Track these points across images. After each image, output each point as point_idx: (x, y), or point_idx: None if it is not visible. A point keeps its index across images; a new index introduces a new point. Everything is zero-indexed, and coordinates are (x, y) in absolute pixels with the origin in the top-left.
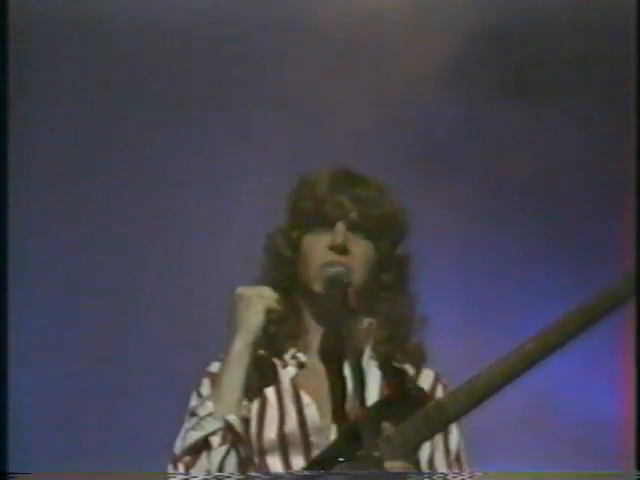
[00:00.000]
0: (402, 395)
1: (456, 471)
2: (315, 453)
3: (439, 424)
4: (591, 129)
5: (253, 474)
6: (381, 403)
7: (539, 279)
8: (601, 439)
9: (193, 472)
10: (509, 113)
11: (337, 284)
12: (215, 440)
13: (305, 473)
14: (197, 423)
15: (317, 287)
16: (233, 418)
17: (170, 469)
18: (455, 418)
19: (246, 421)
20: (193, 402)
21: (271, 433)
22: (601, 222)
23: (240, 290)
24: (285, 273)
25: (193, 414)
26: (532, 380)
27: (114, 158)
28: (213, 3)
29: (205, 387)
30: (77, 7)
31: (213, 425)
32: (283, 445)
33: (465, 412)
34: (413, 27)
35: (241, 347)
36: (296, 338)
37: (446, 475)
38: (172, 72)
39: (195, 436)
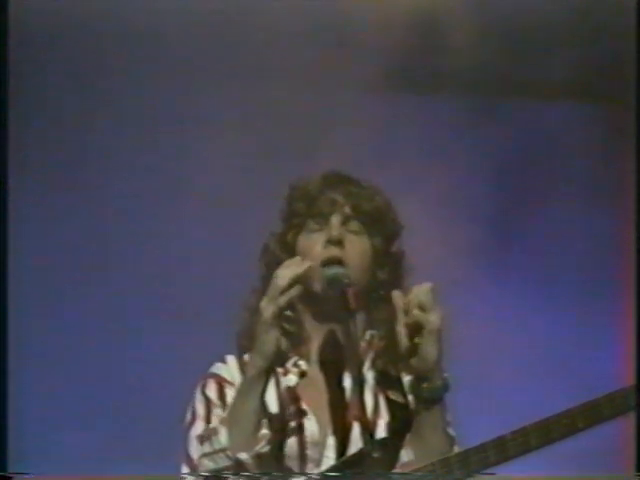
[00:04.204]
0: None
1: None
2: (310, 467)
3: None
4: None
5: (271, 473)
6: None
7: None
8: (601, 441)
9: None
10: None
11: (337, 284)
12: (229, 476)
13: (319, 476)
14: (210, 454)
15: (316, 286)
16: (245, 457)
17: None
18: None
19: (260, 458)
20: (198, 404)
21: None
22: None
23: (263, 304)
24: None
25: (209, 438)
26: (531, 381)
27: (114, 156)
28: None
29: (212, 390)
30: (77, 7)
31: (225, 462)
32: (280, 458)
33: None
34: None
35: (255, 374)
36: (297, 346)
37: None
38: (172, 72)
39: (209, 466)
